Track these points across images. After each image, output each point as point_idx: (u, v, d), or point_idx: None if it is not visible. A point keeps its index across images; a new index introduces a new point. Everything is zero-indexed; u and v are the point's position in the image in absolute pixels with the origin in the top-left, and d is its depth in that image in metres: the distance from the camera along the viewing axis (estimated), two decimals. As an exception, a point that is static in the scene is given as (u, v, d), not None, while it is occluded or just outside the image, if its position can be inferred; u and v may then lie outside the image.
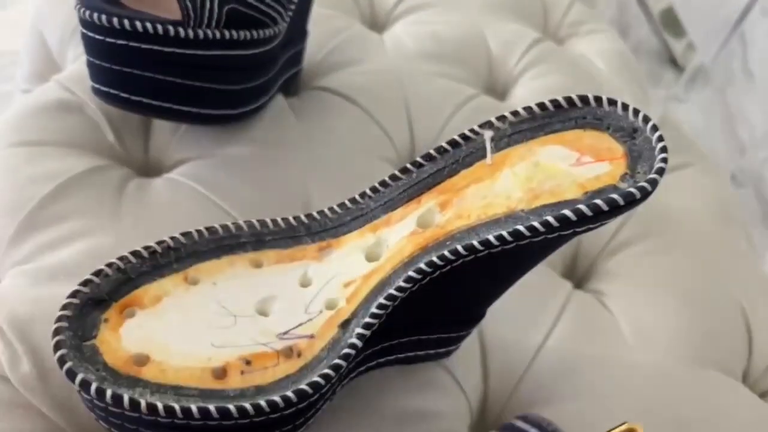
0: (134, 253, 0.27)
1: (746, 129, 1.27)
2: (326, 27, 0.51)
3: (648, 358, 0.36)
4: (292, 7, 0.41)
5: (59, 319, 0.24)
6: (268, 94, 0.42)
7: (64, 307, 0.25)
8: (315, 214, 0.30)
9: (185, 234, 0.28)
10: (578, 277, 0.42)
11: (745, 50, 1.33)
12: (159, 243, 0.27)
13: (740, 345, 0.40)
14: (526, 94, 0.53)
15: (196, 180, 0.38)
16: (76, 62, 0.45)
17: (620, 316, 0.38)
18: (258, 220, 0.29)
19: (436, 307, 0.29)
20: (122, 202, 0.37)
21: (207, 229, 0.28)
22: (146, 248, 0.27)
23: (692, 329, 0.38)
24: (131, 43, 0.34)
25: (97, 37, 0.34)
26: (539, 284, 0.39)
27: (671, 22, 1.41)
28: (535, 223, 0.24)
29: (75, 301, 0.25)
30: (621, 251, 0.42)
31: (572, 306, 0.38)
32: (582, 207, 0.24)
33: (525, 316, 0.37)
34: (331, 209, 0.30)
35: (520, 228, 0.24)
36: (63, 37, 0.47)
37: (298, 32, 0.45)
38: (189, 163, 0.40)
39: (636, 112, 0.26)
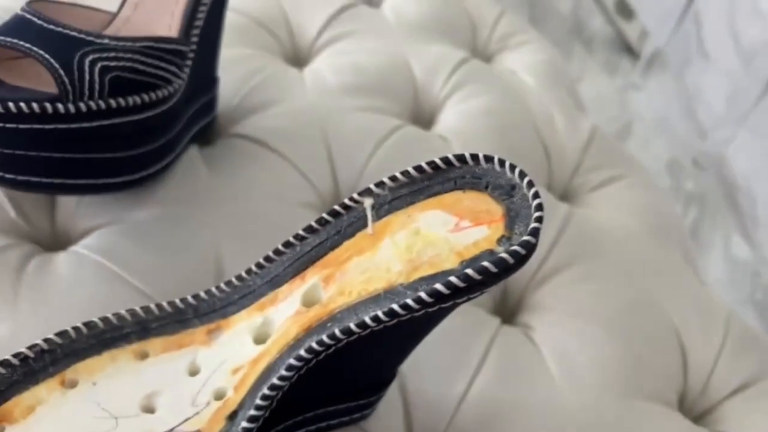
0: (2, 363, 0.25)
1: (706, 111, 1.27)
2: (242, 69, 0.50)
3: (575, 396, 0.35)
4: (189, 62, 0.40)
5: None
6: (173, 152, 0.41)
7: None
8: (202, 294, 0.29)
9: (60, 333, 0.27)
10: (508, 312, 0.41)
11: (699, 30, 1.33)
12: (31, 347, 0.26)
13: (675, 369, 0.39)
14: (453, 118, 0.52)
15: (102, 252, 0.37)
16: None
17: (547, 351, 0.37)
18: (142, 308, 0.28)
19: (336, 381, 0.28)
20: (21, 286, 0.35)
21: (85, 324, 0.27)
22: (16, 355, 0.26)
23: (622, 359, 0.38)
24: (7, 125, 0.32)
25: (-29, 121, 0.33)
26: (464, 326, 0.38)
27: (624, 10, 1.41)
28: (409, 301, 0.23)
29: None
30: (549, 281, 0.41)
31: (497, 346, 0.37)
32: (453, 279, 0.23)
33: (449, 363, 0.36)
34: (218, 287, 0.29)
35: (395, 307, 0.23)
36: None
37: (204, 82, 0.43)
38: (96, 232, 0.39)
39: (512, 167, 0.25)
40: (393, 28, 0.59)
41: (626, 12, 1.40)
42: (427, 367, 0.35)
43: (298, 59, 0.56)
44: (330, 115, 0.48)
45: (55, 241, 0.39)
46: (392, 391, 0.34)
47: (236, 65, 0.50)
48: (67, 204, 0.40)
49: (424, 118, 0.53)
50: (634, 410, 0.36)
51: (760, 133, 1.12)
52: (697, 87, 1.31)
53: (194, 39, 0.40)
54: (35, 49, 0.33)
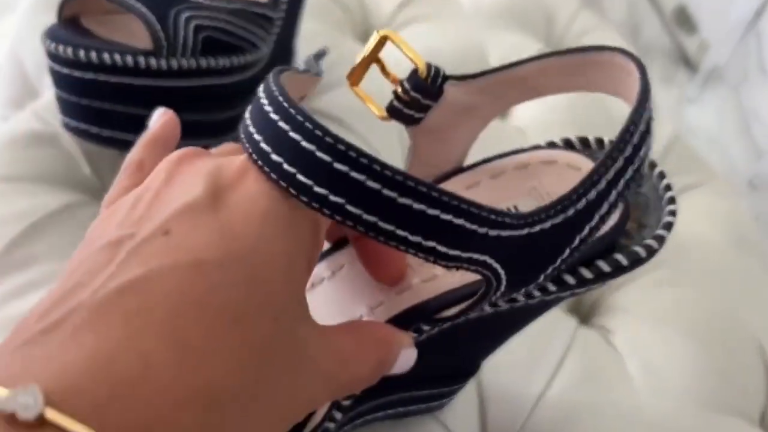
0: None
1: (762, 130, 1.23)
2: (316, 45, 0.49)
3: (656, 404, 0.34)
4: (276, 30, 0.39)
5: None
6: (252, 121, 0.40)
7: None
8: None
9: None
10: (584, 312, 0.39)
11: (760, 49, 1.29)
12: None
13: (757, 384, 0.37)
14: (530, 111, 0.50)
15: (176, 216, 0.36)
16: (54, 89, 0.43)
17: (627, 356, 0.36)
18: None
19: (427, 365, 0.27)
20: (96, 243, 0.35)
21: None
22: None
23: (705, 370, 0.36)
24: (100, 77, 0.32)
25: (64, 70, 0.32)
26: (544, 324, 0.36)
27: (684, 21, 1.38)
28: (532, 289, 0.22)
29: None
30: (628, 284, 0.40)
31: (577, 346, 0.36)
32: (583, 271, 0.22)
33: (527, 360, 0.34)
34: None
35: (517, 296, 0.22)
36: (41, 61, 0.45)
37: (283, 53, 0.42)
38: (169, 196, 0.38)
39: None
40: (467, 14, 0.57)
41: (686, 23, 1.37)
42: (504, 363, 0.34)
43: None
44: (405, 97, 0.47)
45: (128, 202, 0.39)
46: (468, 385, 0.33)
47: (310, 40, 0.49)
48: (142, 165, 0.39)
49: (498, 108, 0.51)
50: (715, 423, 0.34)
51: (820, 156, 1.08)
52: (753, 105, 1.28)
53: (283, 6, 0.39)
54: (132, 2, 0.32)
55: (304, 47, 0.48)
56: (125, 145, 0.36)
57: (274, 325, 0.15)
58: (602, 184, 0.19)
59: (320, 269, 0.25)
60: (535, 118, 0.48)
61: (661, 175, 0.24)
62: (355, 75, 0.22)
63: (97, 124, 0.34)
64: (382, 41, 0.22)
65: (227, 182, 0.16)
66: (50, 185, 0.37)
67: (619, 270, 0.22)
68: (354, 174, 0.15)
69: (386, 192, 0.15)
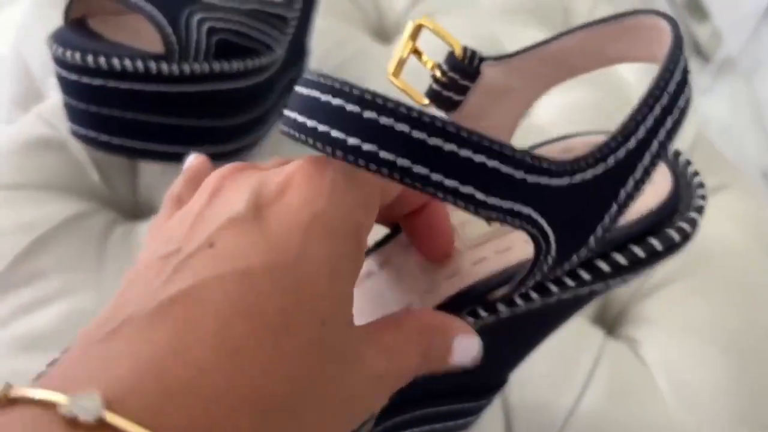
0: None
1: (775, 121, 1.21)
2: (329, 43, 0.47)
3: (688, 420, 0.33)
4: (291, 30, 0.37)
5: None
6: (266, 125, 0.38)
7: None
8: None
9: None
10: (609, 322, 0.38)
11: (773, 36, 1.27)
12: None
13: (791, 398, 0.36)
14: (550, 109, 0.48)
15: (188, 225, 0.35)
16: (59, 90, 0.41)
17: (657, 370, 0.35)
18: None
19: (452, 376, 0.26)
20: (106, 254, 0.33)
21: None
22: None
23: (739, 385, 0.34)
24: (109, 83, 0.30)
25: (72, 76, 0.31)
26: (570, 336, 0.35)
27: (695, 8, 1.35)
28: (565, 278, 0.21)
29: None
30: (656, 293, 0.38)
31: (605, 359, 0.34)
32: (617, 256, 0.21)
33: (555, 375, 0.33)
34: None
35: (550, 285, 0.21)
36: (47, 60, 0.44)
37: (297, 53, 0.41)
38: (181, 203, 0.37)
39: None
40: (483, 8, 0.56)
41: (699, 13, 1.34)
42: (531, 377, 0.33)
43: (385, 34, 0.53)
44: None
45: (138, 210, 0.38)
46: (494, 402, 0.32)
47: (324, 38, 0.48)
48: (152, 171, 0.38)
49: (517, 107, 0.50)
50: (751, 442, 0.33)
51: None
52: (766, 96, 1.26)
53: (297, 5, 0.38)
54: (142, 3, 0.31)
55: (319, 45, 0.47)
56: (135, 153, 0.35)
57: (322, 330, 0.15)
58: (641, 133, 0.18)
59: (368, 264, 0.25)
60: (555, 119, 0.47)
61: (688, 162, 0.24)
62: (397, 67, 0.22)
63: (106, 131, 0.32)
64: (418, 29, 0.22)
65: (269, 196, 0.17)
66: (57, 193, 0.36)
67: (653, 256, 0.21)
68: (383, 119, 0.15)
69: (416, 134, 0.15)
